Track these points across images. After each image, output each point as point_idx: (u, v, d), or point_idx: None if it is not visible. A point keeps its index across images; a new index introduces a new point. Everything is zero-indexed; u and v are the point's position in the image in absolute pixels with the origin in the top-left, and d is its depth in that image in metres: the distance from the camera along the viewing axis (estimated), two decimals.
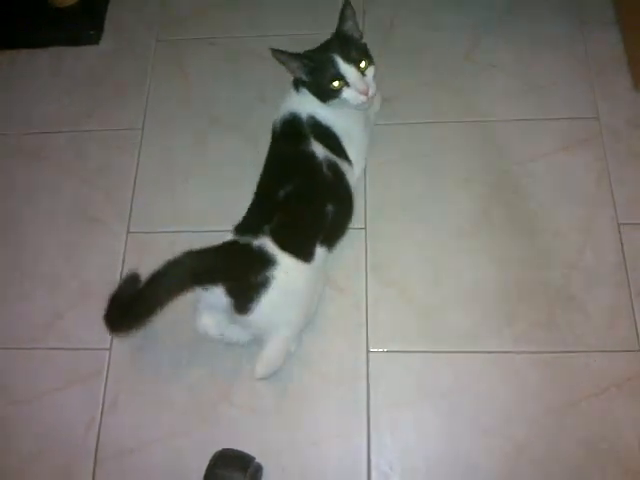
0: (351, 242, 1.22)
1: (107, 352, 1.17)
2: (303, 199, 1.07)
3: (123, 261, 1.25)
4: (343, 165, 1.15)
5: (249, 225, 1.06)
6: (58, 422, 1.13)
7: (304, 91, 1.14)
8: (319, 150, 1.11)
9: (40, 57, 1.52)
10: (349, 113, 1.14)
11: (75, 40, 1.52)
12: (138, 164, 1.36)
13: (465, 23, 1.45)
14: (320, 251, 1.08)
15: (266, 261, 1.00)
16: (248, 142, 1.34)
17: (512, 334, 1.12)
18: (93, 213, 1.31)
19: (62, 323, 1.20)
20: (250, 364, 1.12)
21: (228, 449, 1.02)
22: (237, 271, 1.01)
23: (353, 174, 1.19)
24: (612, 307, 1.13)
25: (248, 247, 1.01)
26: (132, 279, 1.03)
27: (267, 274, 0.99)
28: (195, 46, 1.49)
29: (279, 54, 1.09)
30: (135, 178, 1.34)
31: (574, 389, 1.08)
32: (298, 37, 1.44)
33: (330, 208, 1.09)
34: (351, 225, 1.22)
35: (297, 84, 1.16)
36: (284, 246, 1.01)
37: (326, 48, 1.10)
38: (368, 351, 1.13)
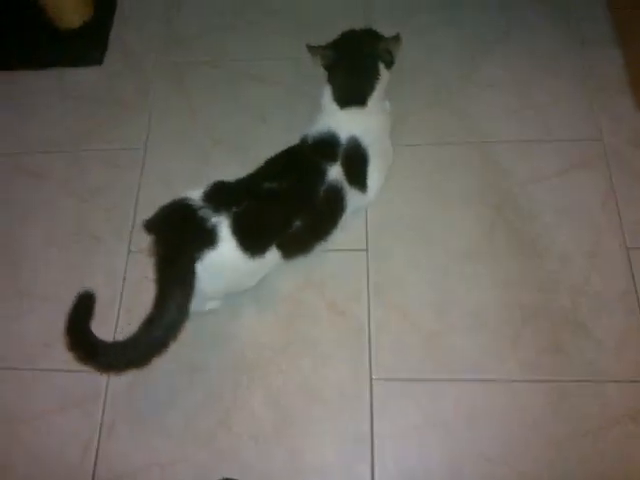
0: (352, 264, 1.21)
1: (105, 376, 1.15)
2: (277, 201, 1.07)
3: (124, 280, 1.24)
4: (351, 193, 1.14)
5: (221, 195, 1.04)
6: (55, 445, 1.11)
7: (367, 109, 1.17)
8: (334, 173, 1.11)
9: (44, 77, 1.52)
10: (385, 126, 1.24)
11: (79, 60, 1.53)
12: (140, 183, 1.35)
13: (464, 44, 1.46)
14: (272, 252, 1.08)
15: (208, 241, 0.99)
16: (249, 163, 1.31)
17: (517, 361, 1.10)
18: (94, 232, 1.30)
19: (61, 344, 1.17)
20: (250, 389, 1.11)
21: (228, 478, 1.00)
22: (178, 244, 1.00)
23: (365, 198, 1.20)
24: (622, 334, 1.10)
25: (202, 221, 1.00)
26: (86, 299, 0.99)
27: (197, 255, 0.99)
28: (197, 68, 1.50)
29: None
30: (137, 197, 1.34)
31: (583, 420, 1.04)
32: (297, 60, 1.46)
33: (298, 224, 1.08)
34: (352, 246, 1.21)
35: (346, 101, 1.16)
36: (239, 233, 1.01)
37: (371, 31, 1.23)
38: (371, 378, 1.11)
